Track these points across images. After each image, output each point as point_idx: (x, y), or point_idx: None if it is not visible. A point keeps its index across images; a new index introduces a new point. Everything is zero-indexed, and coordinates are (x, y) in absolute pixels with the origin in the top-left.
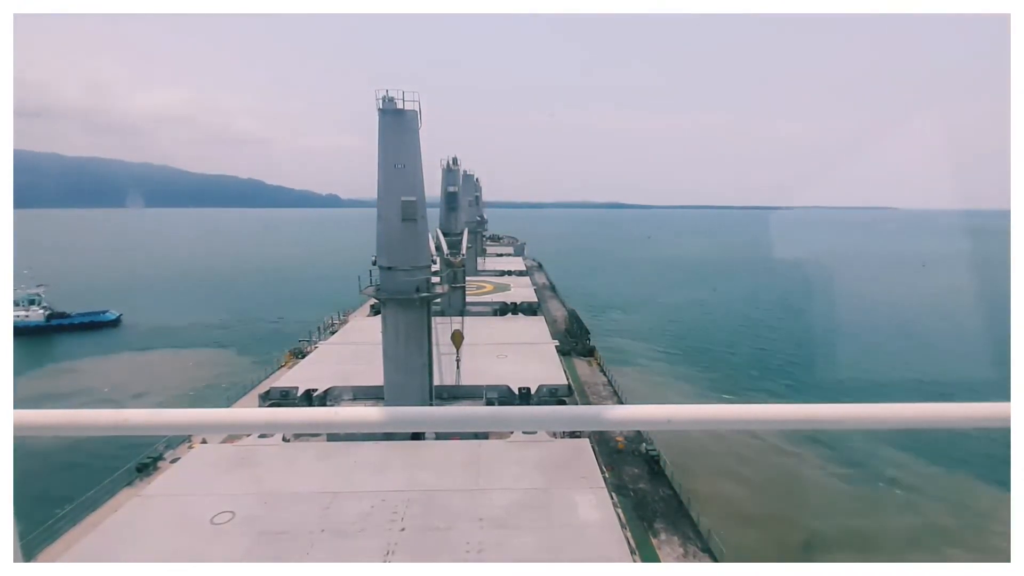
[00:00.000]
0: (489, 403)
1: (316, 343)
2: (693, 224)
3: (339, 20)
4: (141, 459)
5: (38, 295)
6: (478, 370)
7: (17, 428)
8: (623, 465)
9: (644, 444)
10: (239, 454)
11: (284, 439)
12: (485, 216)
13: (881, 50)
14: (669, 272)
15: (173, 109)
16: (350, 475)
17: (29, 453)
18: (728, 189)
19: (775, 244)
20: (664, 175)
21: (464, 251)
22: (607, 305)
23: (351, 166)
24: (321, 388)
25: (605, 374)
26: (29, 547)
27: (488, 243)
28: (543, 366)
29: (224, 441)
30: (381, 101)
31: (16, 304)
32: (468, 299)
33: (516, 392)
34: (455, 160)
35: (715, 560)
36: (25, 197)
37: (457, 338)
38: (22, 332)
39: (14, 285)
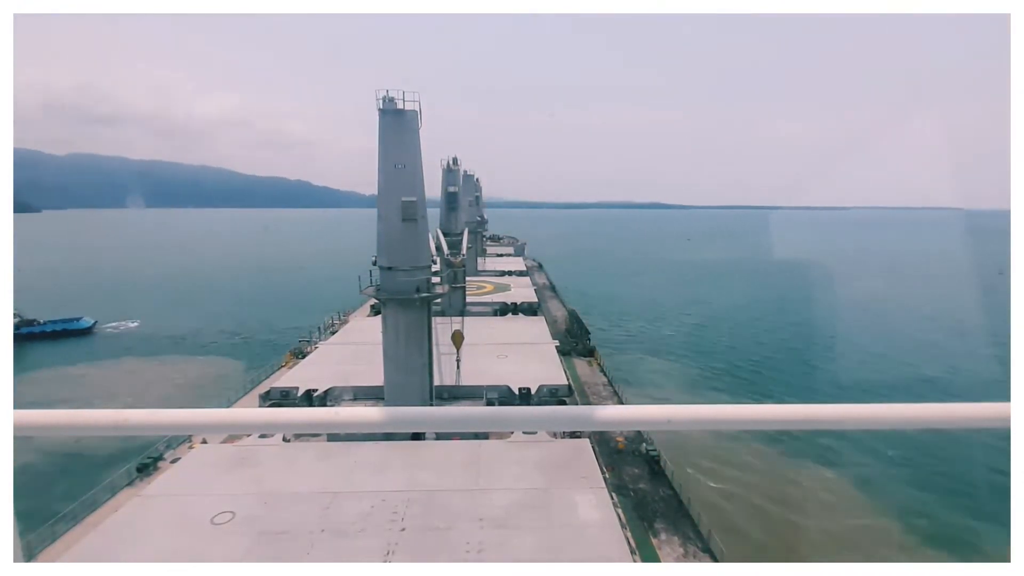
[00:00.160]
0: (489, 403)
1: (316, 343)
2: (727, 225)
3: (352, 20)
4: (141, 459)
5: None
6: (478, 370)
7: (17, 428)
8: (623, 465)
9: (644, 444)
10: (239, 454)
11: (284, 439)
12: (485, 216)
13: (880, 50)
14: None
15: (230, 113)
16: (350, 475)
17: (29, 453)
18: (751, 188)
19: (858, 247)
20: (679, 173)
21: (464, 251)
22: (622, 312)
23: None
24: (321, 388)
25: (605, 374)
26: (29, 547)
27: (488, 243)
28: (543, 366)
29: (224, 441)
30: (381, 101)
31: None
32: (468, 299)
33: (516, 392)
34: (455, 160)
35: (715, 560)
36: (90, 198)
37: (457, 338)
38: None
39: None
